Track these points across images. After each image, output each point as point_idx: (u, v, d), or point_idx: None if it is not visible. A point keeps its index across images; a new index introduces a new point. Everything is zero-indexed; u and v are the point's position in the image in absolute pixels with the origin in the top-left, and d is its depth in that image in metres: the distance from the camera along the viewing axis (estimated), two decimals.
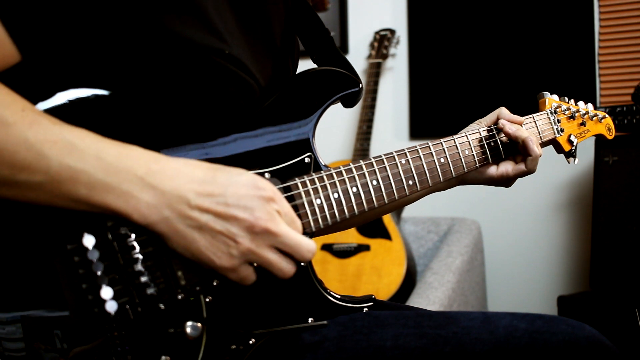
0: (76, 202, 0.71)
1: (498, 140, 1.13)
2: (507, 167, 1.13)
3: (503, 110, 1.15)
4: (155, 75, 0.84)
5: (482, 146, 1.11)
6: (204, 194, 0.73)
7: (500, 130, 1.13)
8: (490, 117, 1.16)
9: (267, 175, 0.87)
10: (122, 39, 0.81)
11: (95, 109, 0.80)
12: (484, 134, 1.12)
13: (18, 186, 0.70)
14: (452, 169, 1.05)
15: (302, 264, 0.84)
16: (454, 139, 1.07)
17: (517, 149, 1.13)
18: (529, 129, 1.16)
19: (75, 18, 0.78)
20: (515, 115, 1.15)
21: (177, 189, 0.72)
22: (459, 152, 1.06)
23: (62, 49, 0.79)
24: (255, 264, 0.77)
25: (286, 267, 0.78)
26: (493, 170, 1.14)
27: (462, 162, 1.07)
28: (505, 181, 1.15)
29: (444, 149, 1.04)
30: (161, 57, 0.83)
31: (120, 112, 0.81)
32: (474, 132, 1.11)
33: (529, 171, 1.13)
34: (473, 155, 1.09)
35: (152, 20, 0.82)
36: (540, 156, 1.13)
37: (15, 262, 0.75)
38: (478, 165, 1.10)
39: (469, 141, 1.09)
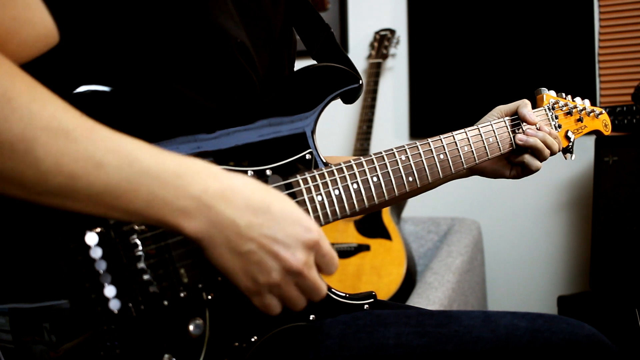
0: (130, 215, 0.69)
1: (510, 134, 1.18)
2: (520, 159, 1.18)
3: (521, 106, 1.19)
4: (169, 66, 0.83)
5: (495, 138, 1.16)
6: (255, 224, 0.72)
7: (518, 123, 1.18)
8: (510, 107, 1.20)
9: (268, 172, 0.87)
10: (156, 25, 0.80)
11: (100, 101, 0.79)
12: (500, 125, 1.16)
13: (76, 197, 0.66)
14: (463, 161, 1.08)
15: None
16: (465, 132, 1.10)
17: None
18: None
19: (114, 3, 0.77)
20: (531, 115, 1.18)
21: (231, 214, 0.71)
22: (470, 145, 1.10)
23: (97, 36, 0.77)
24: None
25: (301, 304, 0.78)
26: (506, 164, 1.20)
27: (473, 154, 1.11)
28: (515, 175, 1.21)
29: (468, 138, 1.09)
30: (189, 44, 0.83)
31: (125, 105, 0.81)
32: (486, 125, 1.14)
33: (538, 164, 1.18)
34: (485, 147, 1.12)
35: (198, 7, 0.81)
36: (555, 154, 1.19)
37: (4, 255, 0.74)
38: (490, 156, 1.14)
39: (480, 134, 1.12)
